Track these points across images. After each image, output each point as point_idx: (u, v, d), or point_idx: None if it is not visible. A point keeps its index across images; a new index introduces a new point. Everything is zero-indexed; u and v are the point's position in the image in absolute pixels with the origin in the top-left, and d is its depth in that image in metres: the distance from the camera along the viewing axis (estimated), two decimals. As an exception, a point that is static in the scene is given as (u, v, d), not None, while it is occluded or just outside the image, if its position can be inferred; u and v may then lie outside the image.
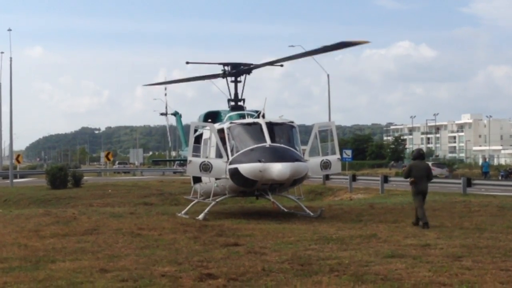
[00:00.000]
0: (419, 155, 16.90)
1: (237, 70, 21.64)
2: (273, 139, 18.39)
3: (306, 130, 64.11)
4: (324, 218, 18.80)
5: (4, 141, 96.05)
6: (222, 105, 22.80)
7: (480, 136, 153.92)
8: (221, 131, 18.99)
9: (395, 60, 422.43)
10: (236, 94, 21.74)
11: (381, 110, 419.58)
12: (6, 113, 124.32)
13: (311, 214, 19.26)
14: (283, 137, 18.98)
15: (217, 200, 19.60)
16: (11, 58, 55.27)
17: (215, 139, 18.88)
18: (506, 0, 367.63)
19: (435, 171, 62.15)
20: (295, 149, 18.83)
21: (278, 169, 17.52)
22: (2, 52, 57.70)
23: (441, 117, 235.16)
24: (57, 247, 12.69)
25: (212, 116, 22.04)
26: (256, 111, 20.83)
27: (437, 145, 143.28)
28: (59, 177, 48.46)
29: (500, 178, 55.38)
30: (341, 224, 16.83)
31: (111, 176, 77.63)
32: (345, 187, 37.41)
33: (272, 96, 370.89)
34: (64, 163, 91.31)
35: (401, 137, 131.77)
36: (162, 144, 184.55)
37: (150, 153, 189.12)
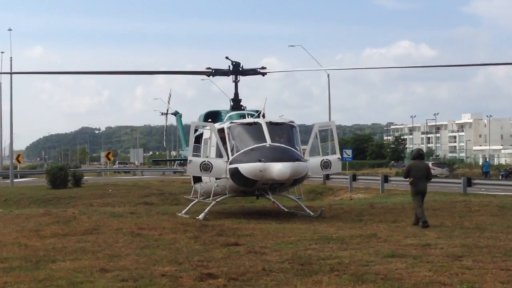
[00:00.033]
0: (419, 155, 16.90)
1: (237, 71, 21.62)
2: (273, 139, 18.39)
3: (306, 129, 64.09)
4: (324, 217, 18.80)
5: (5, 141, 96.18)
6: (222, 105, 22.82)
7: (480, 135, 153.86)
8: (221, 131, 18.98)
9: (395, 60, 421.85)
10: (236, 93, 21.75)
11: (381, 110, 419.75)
12: (7, 113, 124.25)
13: (311, 213, 19.26)
14: (283, 137, 18.97)
15: (217, 199, 19.60)
16: (11, 57, 55.35)
17: (215, 138, 18.88)
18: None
19: (436, 170, 62.36)
20: (296, 149, 18.83)
21: (278, 168, 17.51)
22: (2, 52, 57.71)
23: (441, 116, 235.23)
24: (58, 246, 12.69)
25: (212, 116, 22.04)
26: (257, 111, 20.83)
27: (437, 145, 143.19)
28: (60, 177, 48.49)
29: (500, 177, 55.43)
30: (341, 223, 16.84)
31: (111, 176, 77.67)
32: (345, 187, 37.42)
33: (272, 96, 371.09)
34: (65, 163, 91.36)
35: (401, 137, 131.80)
36: (162, 144, 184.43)
37: (150, 152, 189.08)
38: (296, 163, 17.91)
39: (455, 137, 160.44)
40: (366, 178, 41.39)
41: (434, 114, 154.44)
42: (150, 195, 39.24)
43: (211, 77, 22.69)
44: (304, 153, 19.21)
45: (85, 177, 52.96)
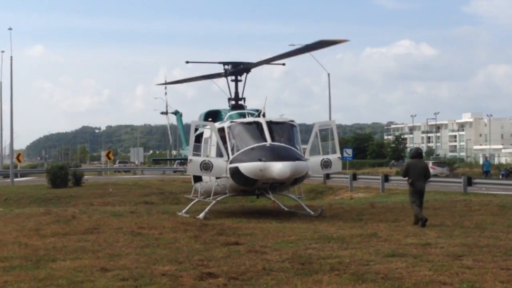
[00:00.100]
0: (417, 154, 16.89)
1: (237, 69, 21.62)
2: (273, 138, 18.39)
3: (306, 129, 64.16)
4: (324, 217, 18.79)
5: (5, 140, 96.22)
6: (222, 104, 22.80)
7: (480, 135, 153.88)
8: (221, 130, 18.97)
9: (395, 59, 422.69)
10: (236, 93, 21.73)
11: (382, 109, 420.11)
12: (7, 112, 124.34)
13: (312, 213, 19.26)
14: (283, 136, 18.97)
15: (217, 199, 19.60)
16: (11, 57, 55.38)
17: (215, 138, 18.87)
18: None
19: (436, 170, 62.31)
20: (296, 148, 18.82)
21: (278, 168, 17.51)
22: (2, 51, 57.80)
23: (441, 116, 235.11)
24: (58, 246, 12.69)
25: (213, 115, 22.03)
26: (257, 110, 20.82)
27: (438, 144, 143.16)
28: (60, 176, 48.52)
29: (500, 177, 55.41)
30: (341, 223, 16.83)
31: (111, 175, 77.69)
32: (345, 186, 37.42)
33: (272, 95, 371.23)
34: (65, 162, 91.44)
35: (402, 136, 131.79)
36: (163, 143, 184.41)
37: (151, 152, 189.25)
38: (297, 162, 17.90)
39: (455, 136, 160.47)
40: (367, 177, 41.40)
41: (435, 114, 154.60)
42: (151, 194, 39.25)
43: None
44: (304, 153, 19.21)
45: (85, 176, 53.01)
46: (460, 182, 30.16)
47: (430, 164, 63.51)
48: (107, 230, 15.17)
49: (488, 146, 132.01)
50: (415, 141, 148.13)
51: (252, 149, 18.18)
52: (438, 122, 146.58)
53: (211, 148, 19.23)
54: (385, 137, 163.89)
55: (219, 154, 18.67)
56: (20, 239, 13.64)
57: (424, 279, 8.97)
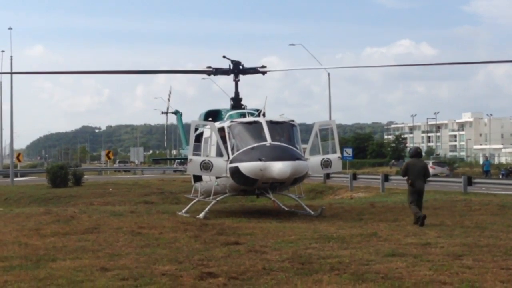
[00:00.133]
0: (416, 153, 16.90)
1: (237, 69, 21.60)
2: (273, 138, 18.38)
3: (306, 128, 64.17)
4: (324, 216, 18.79)
5: (5, 140, 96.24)
6: (222, 104, 22.80)
7: (480, 134, 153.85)
8: (221, 130, 18.97)
9: (395, 59, 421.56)
10: (236, 92, 21.73)
11: (382, 109, 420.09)
12: (7, 112, 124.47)
13: (312, 213, 19.26)
14: (283, 136, 18.96)
15: (217, 198, 19.60)
16: (11, 56, 55.31)
17: (215, 137, 18.87)
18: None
19: (436, 169, 62.30)
20: (296, 147, 18.82)
21: (278, 167, 17.50)
22: (2, 51, 57.71)
23: (441, 115, 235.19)
24: (58, 245, 12.69)
25: (213, 115, 22.02)
26: (257, 110, 20.82)
27: (438, 144, 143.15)
28: (60, 175, 48.52)
29: (500, 177, 55.38)
30: (341, 222, 16.83)
31: (111, 175, 77.69)
32: (345, 186, 37.42)
33: (272, 95, 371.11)
34: (65, 162, 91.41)
35: (402, 136, 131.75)
36: (163, 143, 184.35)
37: (151, 151, 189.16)
38: (297, 162, 17.90)
39: (455, 136, 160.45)
40: (367, 177, 41.40)
41: (435, 113, 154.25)
42: (151, 194, 39.24)
43: (211, 76, 22.66)
44: (304, 152, 19.21)
45: (85, 176, 53.01)
46: (460, 182, 30.16)
47: (430, 163, 63.52)
48: (107, 229, 15.17)
49: (488, 146, 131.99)
50: (415, 141, 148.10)
51: (252, 148, 18.18)
52: (438, 122, 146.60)
53: (211, 147, 19.22)
54: (385, 136, 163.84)
55: (219, 154, 18.67)
56: (20, 239, 13.64)
57: (424, 279, 8.97)
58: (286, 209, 19.34)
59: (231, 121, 19.23)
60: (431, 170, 61.57)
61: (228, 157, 18.39)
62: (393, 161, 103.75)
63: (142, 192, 40.37)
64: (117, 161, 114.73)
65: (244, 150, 18.27)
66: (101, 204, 31.96)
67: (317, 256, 11.01)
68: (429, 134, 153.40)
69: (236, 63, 21.65)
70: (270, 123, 18.82)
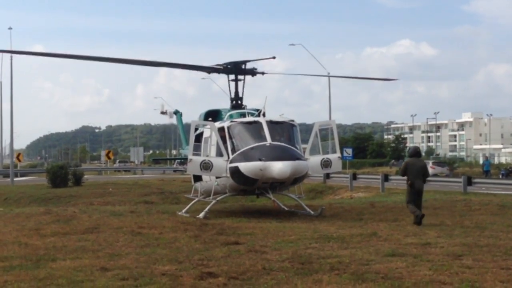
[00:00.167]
0: (415, 153, 16.92)
1: (237, 69, 21.61)
2: (273, 138, 18.39)
3: (306, 128, 64.19)
4: (324, 216, 18.79)
5: (5, 140, 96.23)
6: (222, 104, 22.81)
7: (480, 134, 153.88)
8: (221, 130, 18.98)
9: (395, 59, 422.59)
10: (236, 92, 21.73)
11: (382, 109, 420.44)
12: (7, 112, 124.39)
13: (312, 212, 19.26)
14: (283, 136, 18.97)
15: (217, 198, 19.60)
16: (11, 56, 55.30)
17: (215, 137, 18.87)
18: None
19: (436, 169, 62.31)
20: (296, 147, 18.82)
21: (278, 167, 17.51)
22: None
23: (441, 115, 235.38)
24: (58, 245, 12.69)
25: (213, 115, 22.03)
26: (257, 110, 20.82)
27: (438, 144, 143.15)
28: (60, 175, 48.52)
29: (500, 176, 55.36)
30: (341, 222, 16.83)
31: (111, 175, 77.69)
32: (345, 186, 37.42)
33: (272, 94, 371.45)
34: (65, 162, 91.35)
35: (402, 136, 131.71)
36: (163, 143, 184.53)
37: (151, 151, 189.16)
38: (297, 162, 17.90)
39: (455, 136, 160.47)
40: (367, 177, 41.41)
41: (435, 113, 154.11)
42: (151, 194, 39.24)
43: (212, 74, 22.64)
44: (304, 152, 19.21)
45: (85, 176, 53.00)
46: (460, 182, 30.16)
47: (430, 163, 63.54)
48: (107, 229, 15.17)
49: (488, 146, 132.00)
50: (415, 141, 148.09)
51: (252, 148, 18.18)
52: (438, 122, 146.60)
53: (211, 147, 19.22)
54: (385, 136, 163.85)
55: (219, 154, 18.67)
56: (20, 239, 13.64)
57: (424, 279, 8.97)
58: (286, 209, 19.34)
59: (231, 121, 19.23)
60: (431, 170, 61.59)
61: (228, 157, 18.39)
62: (393, 161, 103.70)
63: (142, 192, 40.37)
64: (117, 161, 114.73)
65: (244, 150, 18.27)
66: (101, 204, 31.96)
67: (317, 256, 11.01)
68: (429, 134, 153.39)
69: (236, 63, 21.66)
70: (270, 123, 18.82)
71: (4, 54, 57.21)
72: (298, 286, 8.74)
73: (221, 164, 18.41)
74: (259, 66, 22.32)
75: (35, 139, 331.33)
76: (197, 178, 21.33)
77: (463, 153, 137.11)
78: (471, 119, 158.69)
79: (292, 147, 18.58)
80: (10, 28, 60.97)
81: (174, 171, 72.50)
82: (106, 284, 8.91)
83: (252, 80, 23.90)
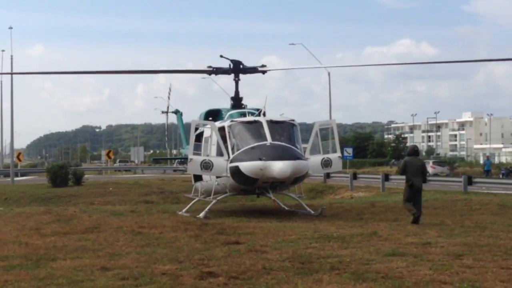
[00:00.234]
0: (414, 152, 16.95)
1: (238, 69, 21.61)
2: (274, 137, 18.39)
3: (307, 128, 64.14)
4: (325, 216, 18.79)
5: (5, 139, 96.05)
6: (223, 103, 22.81)
7: (481, 134, 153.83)
8: (222, 129, 18.98)
9: (396, 58, 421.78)
10: (236, 92, 21.74)
11: (382, 108, 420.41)
12: (7, 111, 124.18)
13: (312, 212, 19.26)
14: (284, 135, 18.97)
15: (218, 198, 19.60)
16: (12, 56, 55.29)
17: (216, 137, 18.87)
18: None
19: (436, 169, 62.30)
20: (296, 147, 18.82)
21: (279, 167, 17.50)
22: (3, 50, 57.74)
23: (442, 115, 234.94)
24: (58, 245, 12.69)
25: (213, 114, 22.03)
26: (257, 109, 20.82)
27: (438, 143, 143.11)
28: (60, 175, 48.54)
29: (501, 176, 55.29)
30: (342, 222, 16.83)
31: (112, 174, 77.72)
32: (346, 185, 37.42)
33: (272, 94, 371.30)
34: (65, 161, 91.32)
35: (402, 135, 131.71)
36: (163, 142, 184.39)
37: (151, 151, 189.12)
38: (297, 161, 17.90)
39: (455, 135, 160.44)
40: (367, 176, 41.44)
41: (435, 113, 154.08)
42: (151, 194, 39.24)
43: (212, 75, 22.66)
44: (304, 152, 19.21)
45: (85, 176, 53.00)
46: (460, 181, 30.16)
47: (430, 163, 63.53)
48: (108, 229, 15.16)
49: (488, 145, 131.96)
50: (415, 140, 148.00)
51: (253, 148, 18.18)
52: (438, 121, 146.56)
53: (211, 147, 19.22)
54: (386, 136, 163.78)
55: (220, 153, 18.67)
56: (20, 238, 13.65)
57: (425, 278, 8.96)
58: (286, 208, 19.34)
59: (232, 121, 19.23)
60: (431, 170, 61.50)
61: (229, 157, 18.39)
62: (393, 160, 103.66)
63: (143, 192, 40.37)
64: (118, 160, 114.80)
65: (245, 150, 18.28)
66: (102, 203, 31.97)
67: (317, 255, 11.01)
68: (429, 134, 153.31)
69: (236, 63, 21.66)
70: (271, 123, 18.82)
71: (4, 53, 57.39)
72: (299, 285, 8.74)
73: (222, 163, 18.41)
74: (259, 65, 22.30)
75: (36, 138, 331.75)
76: (198, 178, 21.33)
77: (463, 153, 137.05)
78: (471, 119, 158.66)
79: (293, 147, 18.58)
80: (10, 28, 60.96)
81: (174, 170, 72.50)
82: (106, 283, 8.91)
83: (253, 80, 23.96)
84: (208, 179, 20.11)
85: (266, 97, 20.22)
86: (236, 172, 18.14)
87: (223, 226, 15.82)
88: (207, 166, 18.44)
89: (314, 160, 19.22)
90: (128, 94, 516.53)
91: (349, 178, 37.14)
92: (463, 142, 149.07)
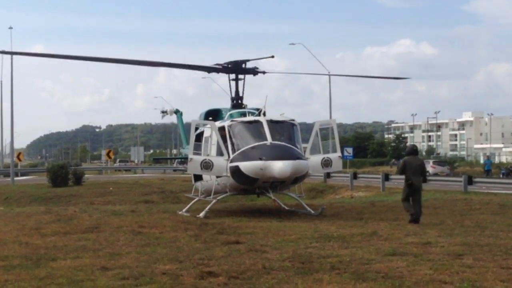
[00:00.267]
0: (413, 151, 16.97)
1: (237, 68, 21.62)
2: (274, 137, 18.39)
3: (307, 128, 64.14)
4: (325, 216, 18.79)
5: (5, 139, 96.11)
6: (223, 103, 22.83)
7: (481, 134, 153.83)
8: (222, 129, 18.97)
9: (396, 58, 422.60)
10: (237, 92, 21.74)
11: (382, 108, 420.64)
12: (7, 111, 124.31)
13: (312, 212, 19.26)
14: (284, 135, 18.98)
15: (218, 198, 19.60)
16: (12, 56, 55.12)
17: (216, 137, 18.86)
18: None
19: (436, 169, 62.30)
20: (296, 147, 18.83)
21: (279, 167, 17.50)
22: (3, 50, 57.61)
23: (442, 115, 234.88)
24: (58, 245, 12.69)
25: (213, 114, 22.03)
26: (257, 109, 20.82)
27: (438, 143, 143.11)
28: (60, 175, 48.55)
29: (501, 176, 55.31)
30: (342, 222, 16.83)
31: (112, 174, 77.73)
32: (346, 185, 37.43)
33: (273, 94, 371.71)
34: (65, 161, 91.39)
35: (402, 135, 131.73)
36: (163, 142, 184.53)
37: (151, 151, 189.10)
38: (297, 161, 17.90)
39: (456, 135, 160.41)
40: (367, 176, 41.47)
41: (435, 112, 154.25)
42: (151, 193, 39.24)
43: (212, 74, 22.66)
44: (305, 151, 19.21)
45: (86, 175, 52.99)
46: (460, 181, 30.16)
47: (430, 163, 63.51)
48: (108, 229, 15.16)
49: (488, 145, 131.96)
50: (415, 140, 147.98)
51: (253, 148, 18.18)
52: (438, 121, 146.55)
53: (211, 147, 19.23)
54: (386, 136, 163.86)
55: (220, 153, 18.67)
56: (20, 238, 13.64)
57: (425, 278, 8.96)
58: (286, 208, 19.33)
59: (232, 121, 19.23)
60: (431, 170, 61.37)
61: (229, 157, 18.39)
62: (393, 160, 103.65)
63: (143, 192, 40.37)
64: (118, 160, 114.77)
65: (245, 150, 18.27)
66: (102, 203, 31.96)
67: (317, 255, 11.00)
68: (430, 133, 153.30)
69: (236, 63, 21.67)
70: (271, 123, 18.83)
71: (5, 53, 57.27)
72: (299, 285, 8.73)
73: (222, 163, 18.41)
74: (259, 65, 22.37)
75: (36, 138, 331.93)
76: (198, 178, 21.33)
77: (463, 153, 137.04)
78: (471, 119, 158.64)
79: (293, 147, 18.58)
80: (10, 28, 60.92)
81: (174, 170, 72.48)
82: (106, 283, 8.90)
83: (253, 80, 23.91)
84: (208, 178, 20.11)
85: (266, 96, 20.31)
86: (236, 172, 18.14)
87: (223, 225, 15.82)
88: (207, 166, 18.44)
89: (314, 160, 19.22)
90: (128, 94, 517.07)
91: (349, 177, 37.15)
92: (463, 142, 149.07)
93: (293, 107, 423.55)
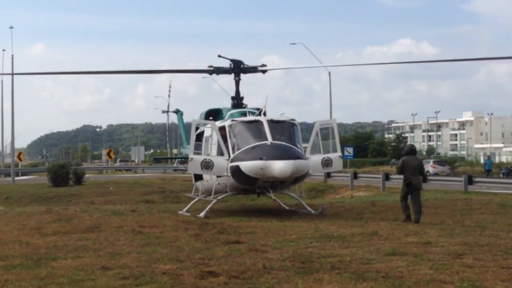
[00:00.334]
0: (411, 151, 17.04)
1: (238, 68, 21.61)
2: (274, 137, 18.39)
3: (307, 127, 64.17)
4: (325, 215, 18.80)
5: (6, 139, 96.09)
6: (223, 103, 22.83)
7: (481, 133, 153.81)
8: (222, 129, 18.98)
9: (396, 58, 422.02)
10: (237, 91, 21.74)
11: (383, 108, 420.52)
12: (8, 111, 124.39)
13: (312, 211, 19.27)
14: (284, 135, 18.98)
15: (218, 198, 19.60)
16: (12, 55, 55.19)
17: (216, 136, 18.87)
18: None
19: (436, 168, 62.28)
20: (297, 146, 18.83)
21: (279, 166, 17.51)
22: (3, 50, 57.75)
23: (442, 114, 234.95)
24: (59, 244, 12.69)
25: (214, 114, 22.03)
26: (258, 109, 20.82)
27: (438, 143, 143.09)
28: (61, 174, 48.58)
29: (501, 175, 55.29)
30: (342, 221, 16.83)
31: (112, 174, 77.72)
32: (346, 185, 37.42)
33: (273, 93, 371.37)
34: (66, 161, 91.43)
35: (403, 135, 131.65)
36: (164, 142, 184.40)
37: (152, 150, 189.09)
38: (297, 161, 17.90)
39: (456, 135, 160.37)
40: (367, 176, 41.45)
41: (435, 112, 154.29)
42: (151, 193, 39.25)
43: (213, 75, 22.67)
44: (305, 151, 19.21)
45: (86, 175, 53.03)
46: (460, 181, 30.17)
47: (431, 162, 63.51)
48: (108, 228, 15.17)
49: (489, 145, 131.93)
50: (415, 140, 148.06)
51: (253, 147, 18.18)
52: (438, 121, 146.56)
53: (212, 146, 19.23)
54: (386, 135, 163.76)
55: (220, 153, 18.67)
56: (21, 238, 13.65)
57: (425, 278, 8.96)
58: (286, 208, 19.34)
59: (232, 120, 19.23)
60: (431, 169, 61.36)
61: (229, 156, 18.39)
62: (393, 160, 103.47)
63: (143, 191, 40.39)
64: (118, 160, 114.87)
65: (245, 149, 18.28)
66: (102, 203, 31.98)
67: (317, 255, 11.01)
68: (430, 133, 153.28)
69: (236, 62, 21.66)
70: (271, 122, 18.83)
71: (5, 53, 57.36)
72: (299, 285, 8.74)
73: (222, 163, 18.41)
74: (259, 64, 22.31)
75: (36, 138, 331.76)
76: (198, 177, 21.33)
77: (463, 152, 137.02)
78: (471, 118, 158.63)
79: (293, 146, 18.58)
80: (11, 27, 60.95)
81: (175, 170, 72.51)
82: (107, 283, 8.91)
83: (253, 79, 24.01)
84: (209, 178, 20.11)
85: (266, 96, 20.34)
86: (236, 172, 18.14)
87: (224, 225, 15.82)
88: (207, 165, 18.45)
89: (314, 160, 19.23)
90: (128, 93, 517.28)
91: (350, 177, 37.14)
92: (464, 142, 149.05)
93: (294, 106, 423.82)
